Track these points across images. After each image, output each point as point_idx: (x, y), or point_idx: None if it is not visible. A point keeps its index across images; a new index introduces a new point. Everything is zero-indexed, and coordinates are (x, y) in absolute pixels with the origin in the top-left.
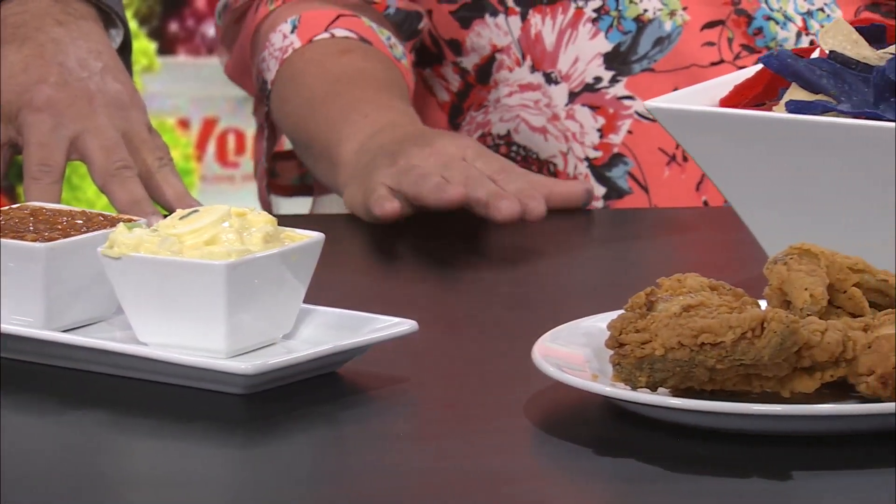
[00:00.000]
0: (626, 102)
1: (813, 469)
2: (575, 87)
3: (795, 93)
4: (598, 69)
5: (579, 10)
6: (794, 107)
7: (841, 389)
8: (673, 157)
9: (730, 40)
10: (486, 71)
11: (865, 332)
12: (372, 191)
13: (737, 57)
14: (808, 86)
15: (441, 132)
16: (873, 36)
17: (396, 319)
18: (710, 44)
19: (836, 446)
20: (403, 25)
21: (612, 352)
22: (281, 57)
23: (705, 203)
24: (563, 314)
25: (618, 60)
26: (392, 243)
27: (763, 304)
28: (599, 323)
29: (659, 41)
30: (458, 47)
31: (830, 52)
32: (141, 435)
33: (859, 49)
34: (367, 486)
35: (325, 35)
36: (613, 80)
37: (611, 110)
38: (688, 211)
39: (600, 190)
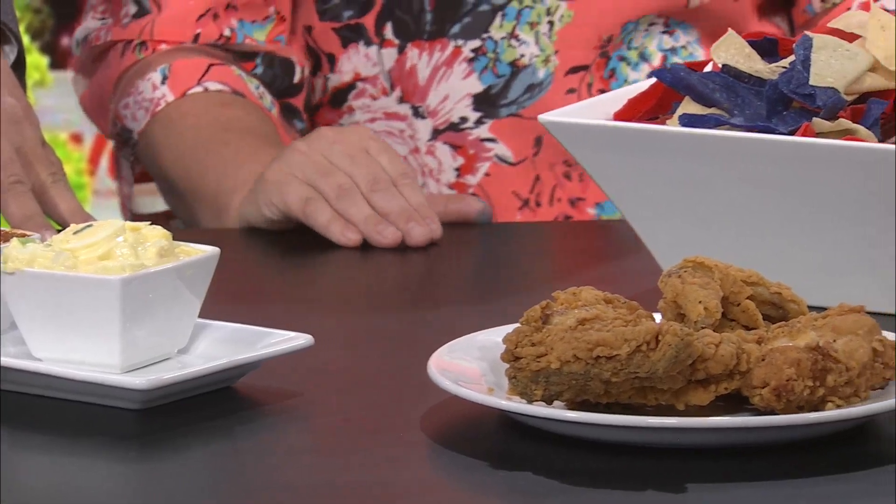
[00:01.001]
0: (488, 145)
1: (708, 481)
2: (440, 125)
3: (688, 106)
4: (465, 109)
5: (457, 49)
6: (687, 120)
7: (735, 402)
8: (526, 202)
9: (589, 86)
10: (341, 97)
11: (759, 345)
12: (281, 181)
13: None
14: (701, 99)
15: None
16: (765, 50)
17: (292, 334)
18: (572, 90)
19: (730, 458)
20: (274, 83)
21: (507, 365)
22: (152, 109)
23: None
24: (458, 328)
25: (487, 103)
26: (287, 257)
27: (658, 317)
28: (495, 336)
29: (530, 87)
30: (333, 62)
31: (723, 65)
32: (36, 451)
33: (752, 63)
34: (264, 501)
35: (199, 88)
36: (479, 122)
37: (471, 151)
38: (583, 224)
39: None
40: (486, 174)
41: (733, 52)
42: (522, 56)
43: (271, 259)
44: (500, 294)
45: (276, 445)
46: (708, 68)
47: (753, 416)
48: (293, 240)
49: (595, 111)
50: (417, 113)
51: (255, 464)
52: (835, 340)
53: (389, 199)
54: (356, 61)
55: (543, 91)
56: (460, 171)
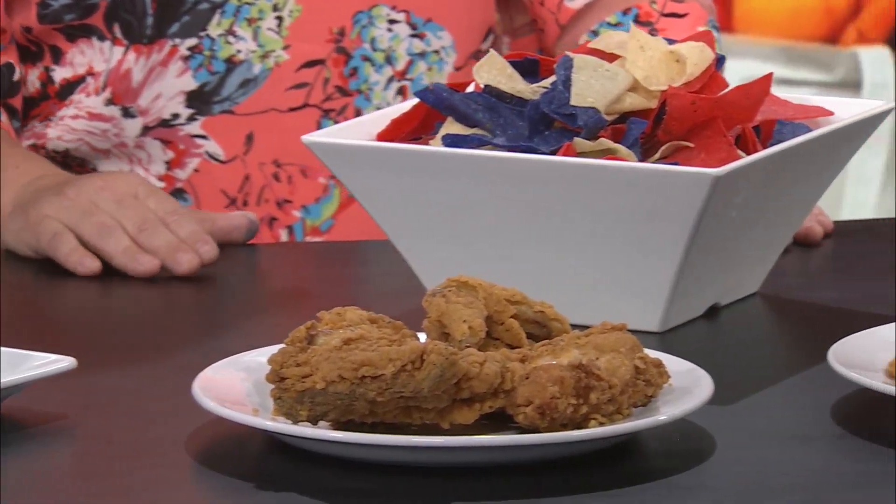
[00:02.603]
0: (199, 141)
1: (474, 499)
2: (150, 122)
3: (451, 126)
4: (178, 106)
5: (174, 48)
6: (450, 140)
7: (500, 420)
8: (233, 201)
9: (326, 81)
10: (69, 89)
11: (523, 364)
12: (39, 223)
13: (327, 99)
14: (463, 119)
15: (108, 171)
16: (527, 70)
17: (54, 356)
18: (303, 85)
19: (495, 476)
20: None
21: (273, 386)
22: None
23: None
24: (224, 349)
25: (199, 100)
26: (47, 279)
27: (422, 336)
28: (260, 357)
29: (244, 83)
30: (58, 55)
31: (485, 86)
32: None
33: (513, 83)
34: None
35: None
36: (191, 119)
37: (182, 146)
38: (347, 244)
39: None
40: (195, 170)
41: (495, 72)
42: (239, 52)
43: (31, 281)
44: (265, 315)
45: (39, 469)
46: (470, 88)
47: (518, 435)
48: (52, 261)
49: (358, 131)
50: (128, 113)
51: (18, 487)
52: (597, 358)
53: (156, 236)
54: (91, 55)
55: (258, 86)
56: (170, 164)
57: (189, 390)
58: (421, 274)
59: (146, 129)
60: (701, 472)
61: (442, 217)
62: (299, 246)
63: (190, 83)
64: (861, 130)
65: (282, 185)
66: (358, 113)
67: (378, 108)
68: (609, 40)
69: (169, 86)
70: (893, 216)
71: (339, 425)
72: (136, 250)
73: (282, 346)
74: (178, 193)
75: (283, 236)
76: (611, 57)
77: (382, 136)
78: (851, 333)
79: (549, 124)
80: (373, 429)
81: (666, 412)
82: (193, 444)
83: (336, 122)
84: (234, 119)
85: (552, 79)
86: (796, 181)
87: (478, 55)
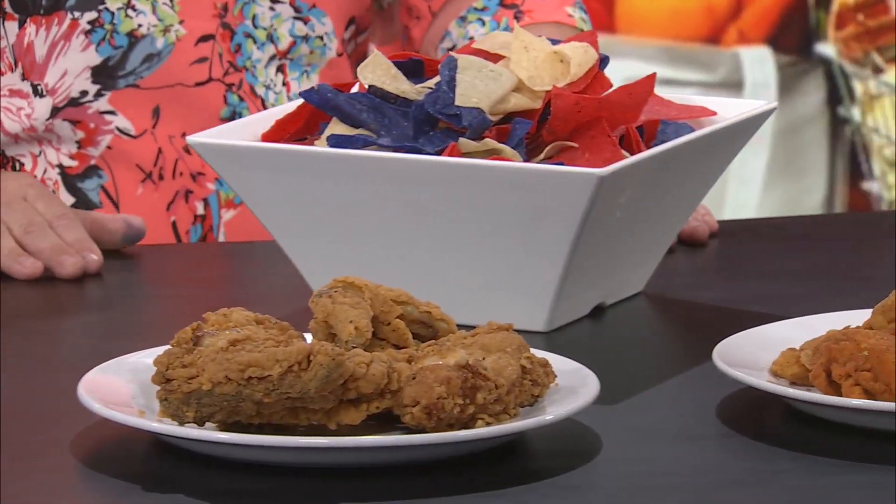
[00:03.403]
0: (108, 117)
1: (361, 500)
2: (59, 102)
3: (336, 127)
4: (84, 83)
5: (74, 22)
6: (334, 141)
7: (387, 421)
8: (149, 175)
9: (220, 55)
10: None
11: (409, 364)
12: None
13: (226, 74)
14: (348, 120)
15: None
16: (411, 70)
17: None
18: (203, 59)
19: (383, 477)
20: None
21: (159, 387)
22: None
23: (174, 224)
24: (110, 350)
25: (104, 74)
26: None
27: (309, 337)
28: (146, 359)
29: (149, 57)
30: None
31: (370, 86)
32: None
33: (398, 84)
34: None
35: None
36: (98, 95)
37: (92, 125)
38: (233, 246)
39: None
40: (108, 147)
41: (380, 73)
42: (140, 26)
43: None
44: (150, 316)
45: None
46: (355, 89)
47: (405, 435)
48: None
49: (243, 132)
50: (37, 91)
51: None
52: (484, 358)
53: (41, 238)
54: None
55: (162, 61)
56: (81, 143)
57: (74, 392)
58: (307, 275)
59: (55, 111)
60: (587, 471)
61: (327, 218)
62: (184, 247)
63: (94, 58)
64: (744, 130)
65: (193, 157)
66: (251, 88)
67: (265, 86)
68: (493, 41)
69: (74, 61)
70: (774, 216)
71: (225, 426)
72: (19, 252)
73: (167, 347)
74: (93, 170)
75: (200, 209)
76: (495, 57)
77: (267, 137)
78: (735, 333)
79: (433, 125)
80: (260, 430)
81: (552, 412)
82: (79, 447)
83: (238, 96)
84: (140, 93)
85: (436, 79)
86: (680, 181)
87: (343, 44)
